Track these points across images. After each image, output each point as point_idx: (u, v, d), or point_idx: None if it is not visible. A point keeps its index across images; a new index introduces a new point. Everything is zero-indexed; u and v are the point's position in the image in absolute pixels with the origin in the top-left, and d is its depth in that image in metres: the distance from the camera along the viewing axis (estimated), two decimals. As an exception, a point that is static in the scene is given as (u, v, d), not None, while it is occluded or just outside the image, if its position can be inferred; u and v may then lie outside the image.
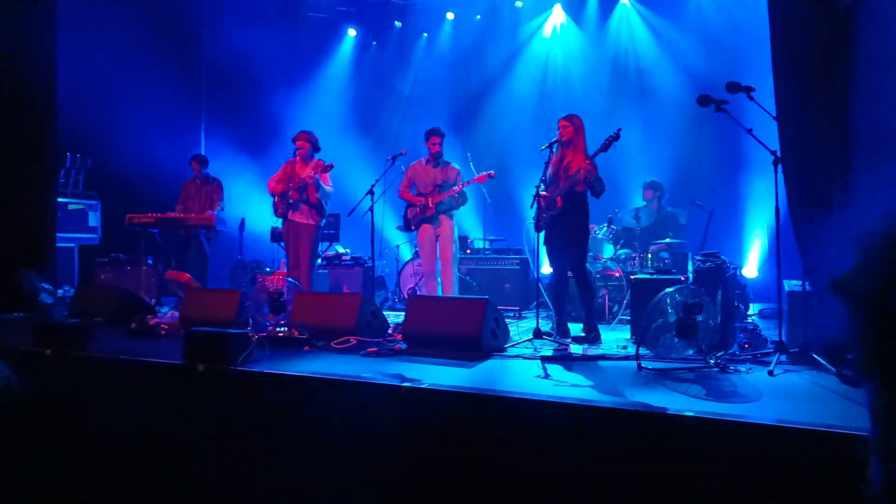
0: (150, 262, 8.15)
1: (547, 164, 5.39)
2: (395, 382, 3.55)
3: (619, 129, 5.07)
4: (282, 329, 5.13)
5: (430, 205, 6.38)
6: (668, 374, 3.90)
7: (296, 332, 5.01)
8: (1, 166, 6.94)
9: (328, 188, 6.63)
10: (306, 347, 4.86)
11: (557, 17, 10.54)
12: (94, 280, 8.22)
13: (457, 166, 6.52)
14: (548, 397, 3.28)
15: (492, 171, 6.38)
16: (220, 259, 8.53)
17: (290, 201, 6.54)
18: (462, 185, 6.36)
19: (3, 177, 6.96)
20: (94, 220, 8.80)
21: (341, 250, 8.90)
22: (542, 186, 5.31)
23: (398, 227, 9.33)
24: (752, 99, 4.38)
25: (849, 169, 3.86)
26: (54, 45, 7.26)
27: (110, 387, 4.28)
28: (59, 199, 7.94)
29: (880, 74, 3.66)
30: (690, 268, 7.14)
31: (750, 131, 4.50)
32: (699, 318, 4.12)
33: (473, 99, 10.74)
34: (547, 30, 10.60)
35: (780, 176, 4.38)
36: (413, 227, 6.65)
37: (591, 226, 6.69)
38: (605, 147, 5.08)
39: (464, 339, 4.61)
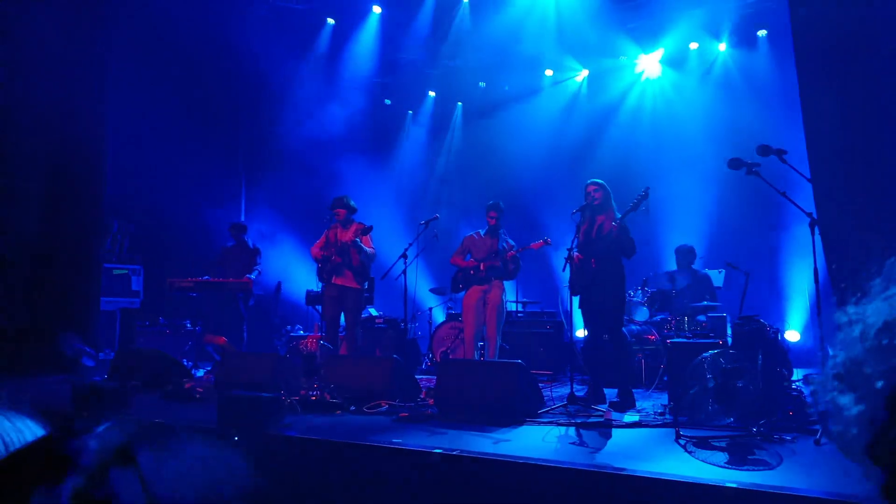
0: (188, 325, 8.31)
1: (578, 227, 5.42)
2: (428, 449, 3.50)
3: (647, 188, 5.10)
4: (314, 392, 5.13)
5: (482, 268, 6.37)
6: (707, 443, 3.77)
7: (328, 396, 5.00)
8: (49, 231, 7.22)
9: (370, 250, 6.69)
10: (338, 411, 4.85)
11: (586, 81, 10.79)
12: (134, 343, 8.38)
13: (512, 241, 6.53)
14: (583, 466, 3.19)
15: (548, 238, 6.37)
16: (256, 322, 8.64)
17: (333, 265, 6.63)
18: (518, 249, 6.35)
19: (51, 241, 7.24)
20: (136, 284, 9.06)
21: (374, 313, 8.95)
22: (575, 249, 5.32)
23: (431, 290, 9.39)
24: (784, 161, 4.37)
25: (886, 232, 3.79)
26: (105, 114, 7.64)
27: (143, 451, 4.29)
28: (105, 265, 8.21)
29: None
30: (729, 331, 6.97)
31: (784, 194, 4.46)
32: (739, 383, 4.01)
33: (501, 165, 10.92)
34: (576, 94, 10.83)
35: (818, 237, 4.32)
36: (461, 287, 6.60)
37: (626, 289, 6.64)
38: (635, 206, 5.10)
39: (496, 404, 4.54)
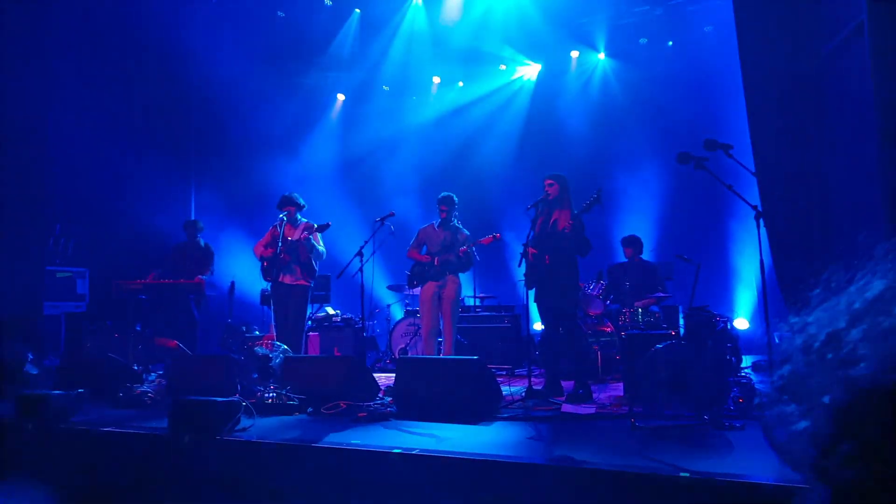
0: (138, 328, 8.06)
1: (533, 221, 5.46)
2: (387, 449, 3.48)
3: (600, 191, 5.18)
4: (271, 395, 5.04)
5: (436, 263, 6.38)
6: (661, 432, 3.85)
7: (285, 398, 4.93)
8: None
9: (321, 247, 6.65)
10: (296, 413, 4.78)
11: (535, 75, 10.87)
12: (82, 348, 8.10)
13: (466, 231, 6.55)
14: (541, 460, 3.22)
15: (497, 234, 6.40)
16: (209, 324, 8.45)
17: (282, 264, 6.54)
18: (468, 245, 6.37)
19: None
20: (81, 287, 8.75)
21: (331, 312, 8.86)
22: (530, 244, 5.36)
23: (388, 287, 9.34)
24: (730, 156, 4.48)
25: (829, 218, 3.92)
26: (46, 115, 7.38)
27: (94, 460, 4.16)
28: (48, 267, 7.91)
29: (854, 134, 3.78)
30: (681, 322, 7.14)
31: (730, 187, 4.59)
32: (691, 373, 4.10)
33: (458, 158, 10.93)
34: (528, 88, 10.90)
35: (763, 229, 4.45)
36: (416, 284, 6.61)
37: (580, 282, 6.72)
38: (588, 208, 5.18)
39: (455, 401, 4.54)
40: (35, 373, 6.78)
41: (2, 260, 7.00)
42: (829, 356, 0.63)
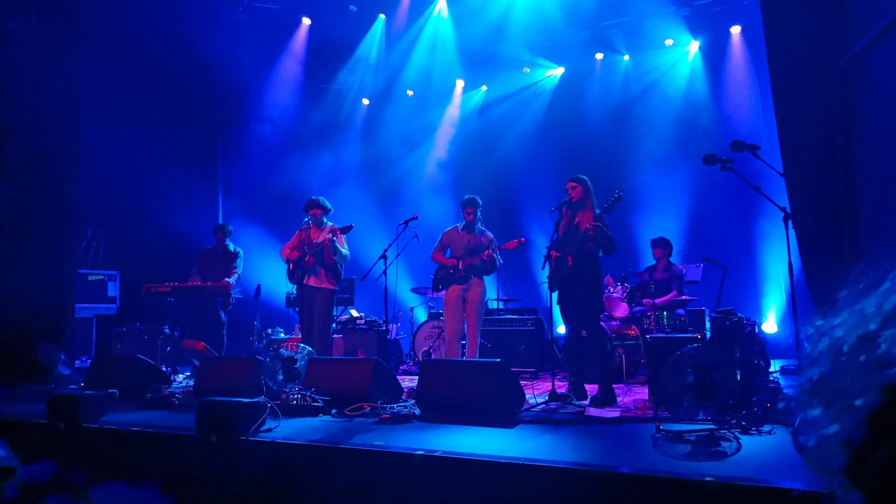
0: (166, 330, 8.20)
1: (557, 224, 5.44)
2: (410, 450, 3.49)
3: (621, 192, 5.15)
4: (295, 396, 5.09)
5: (461, 267, 6.38)
6: (687, 436, 3.80)
7: (309, 399, 4.97)
8: (21, 238, 7.11)
9: (345, 250, 6.69)
10: (320, 414, 4.82)
11: (559, 77, 10.83)
12: (112, 350, 8.26)
13: (490, 234, 6.54)
14: (565, 463, 3.20)
15: (522, 238, 6.39)
16: (236, 326, 8.57)
17: (307, 266, 6.61)
18: (493, 249, 6.37)
19: (24, 248, 7.12)
20: (112, 290, 8.93)
21: (356, 314, 8.92)
22: (553, 247, 5.34)
23: (412, 290, 9.37)
24: (758, 157, 4.42)
25: (856, 221, 3.85)
26: (78, 118, 7.54)
27: (123, 459, 4.24)
28: (79, 270, 8.08)
29: (880, 135, 3.70)
30: (708, 325, 7.05)
31: (758, 189, 4.52)
32: (717, 377, 4.04)
33: (482, 161, 10.93)
34: (552, 91, 10.86)
35: (792, 231, 4.38)
36: (441, 288, 6.62)
37: (605, 285, 6.68)
38: (609, 209, 5.15)
39: (478, 403, 4.54)
40: (67, 373, 6.94)
41: (35, 263, 7.17)
42: (862, 358, 0.61)
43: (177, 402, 5.44)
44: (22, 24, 7.02)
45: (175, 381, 6.83)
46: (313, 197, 6.91)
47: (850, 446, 0.61)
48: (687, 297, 7.02)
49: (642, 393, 5.60)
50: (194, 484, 3.95)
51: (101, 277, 8.87)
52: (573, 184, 5.46)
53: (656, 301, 6.95)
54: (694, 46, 9.84)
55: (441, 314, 7.86)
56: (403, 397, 5.27)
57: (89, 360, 7.33)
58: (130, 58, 8.80)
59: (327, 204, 6.87)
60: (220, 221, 10.26)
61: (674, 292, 7.09)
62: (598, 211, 5.32)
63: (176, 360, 7.73)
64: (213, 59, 9.81)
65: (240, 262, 7.88)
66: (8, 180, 7.02)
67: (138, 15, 8.42)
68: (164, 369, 7.00)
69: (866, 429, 0.59)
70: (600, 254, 5.35)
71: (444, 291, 6.60)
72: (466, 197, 6.56)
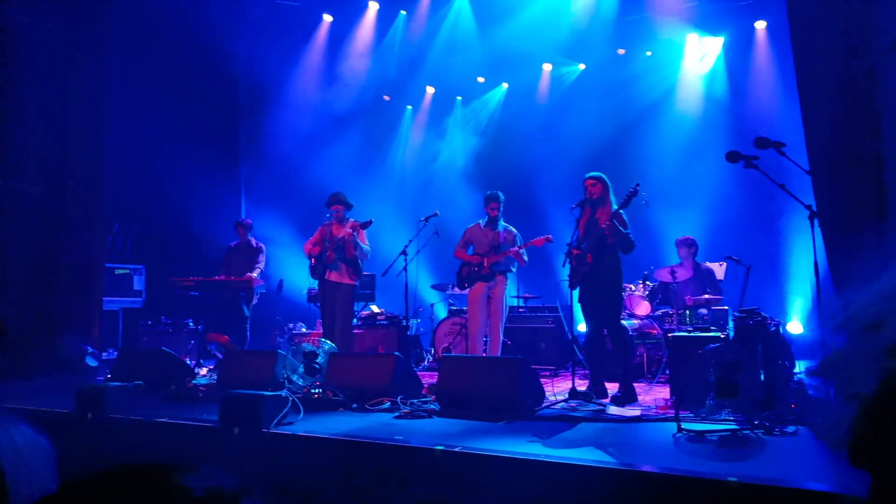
0: (191, 324, 8.32)
1: (577, 222, 5.42)
2: (430, 446, 3.51)
3: (638, 184, 5.12)
4: (317, 390, 5.15)
5: (486, 265, 6.38)
6: (709, 436, 3.77)
7: (330, 394, 5.02)
8: (50, 232, 7.25)
9: (365, 246, 6.73)
10: (341, 409, 4.86)
11: (583, 76, 10.75)
12: (138, 343, 8.41)
13: (514, 230, 6.53)
14: (584, 461, 3.19)
15: (549, 236, 6.36)
16: (259, 321, 8.66)
17: (328, 262, 6.65)
18: (519, 247, 6.35)
19: (52, 242, 7.27)
20: (138, 284, 9.08)
21: (376, 310, 8.97)
22: (574, 244, 5.32)
23: (432, 286, 9.40)
24: (783, 154, 4.35)
25: (884, 220, 3.78)
26: (104, 115, 7.67)
27: (148, 450, 4.32)
28: (106, 265, 8.24)
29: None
30: (731, 325, 6.97)
31: (783, 186, 4.45)
32: (740, 376, 4.01)
33: (502, 158, 10.90)
34: (574, 89, 10.79)
35: (818, 230, 4.31)
36: (466, 286, 6.62)
37: (627, 283, 6.63)
38: (626, 202, 5.11)
39: (498, 399, 4.55)
40: (94, 365, 7.08)
41: (64, 256, 7.32)
42: (873, 343, 0.62)
43: (201, 394, 5.53)
44: (46, 19, 7.15)
45: (199, 374, 6.93)
46: (335, 192, 6.95)
47: (855, 428, 0.62)
48: (719, 297, 6.95)
49: (663, 392, 5.56)
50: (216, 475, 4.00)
51: (128, 271, 9.02)
52: (592, 181, 5.43)
53: (688, 299, 6.89)
54: (718, 42, 9.71)
55: (461, 311, 7.87)
56: (423, 393, 5.29)
57: (116, 353, 7.47)
58: (155, 54, 8.92)
59: (349, 200, 6.91)
60: (243, 217, 10.38)
61: (707, 292, 7.02)
62: (615, 207, 5.29)
63: (200, 353, 7.85)
64: (236, 55, 9.91)
65: (262, 258, 7.96)
66: (37, 174, 7.17)
67: (162, 11, 8.52)
68: (188, 362, 7.11)
69: (869, 413, 0.61)
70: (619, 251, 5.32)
71: (468, 289, 6.59)
72: (489, 192, 6.55)
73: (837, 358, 0.66)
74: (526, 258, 6.42)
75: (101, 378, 6.72)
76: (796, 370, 6.36)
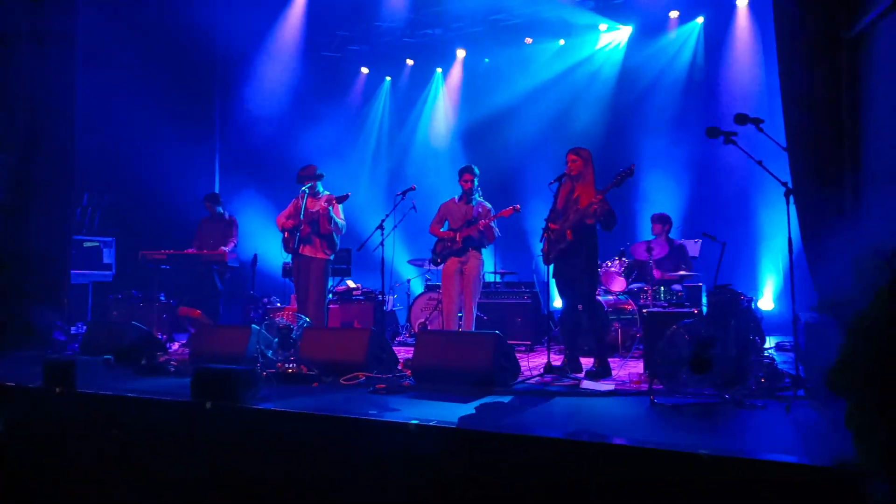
0: (162, 298, 8.19)
1: (555, 197, 5.39)
2: (404, 420, 3.49)
3: (633, 165, 5.07)
4: (291, 365, 5.10)
5: (458, 239, 6.33)
6: (681, 410, 3.82)
7: (304, 369, 4.97)
8: (17, 203, 7.06)
9: (341, 220, 6.64)
10: (315, 384, 4.82)
11: (563, 51, 10.66)
12: (107, 317, 8.27)
13: (488, 204, 6.47)
14: (558, 434, 3.20)
15: (517, 206, 6.33)
16: (232, 295, 8.56)
17: (302, 236, 6.56)
18: (488, 219, 6.31)
19: (19, 214, 7.08)
20: (108, 257, 8.90)
21: (352, 285, 8.91)
22: (552, 219, 5.30)
23: (409, 261, 9.35)
24: (761, 130, 4.35)
25: (858, 198, 3.81)
26: (74, 85, 7.45)
27: (117, 425, 4.25)
28: (75, 237, 8.04)
29: (889, 110, 3.64)
30: (704, 300, 7.05)
31: (760, 163, 4.46)
32: (713, 352, 4.04)
33: (481, 133, 10.83)
34: (554, 65, 10.70)
35: (793, 207, 4.33)
36: (440, 261, 6.57)
37: (603, 260, 6.64)
38: (617, 183, 5.08)
39: (473, 374, 4.55)
40: (63, 339, 6.94)
41: (31, 229, 7.13)
42: (877, 276, 0.61)
43: (172, 369, 5.45)
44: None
45: (171, 348, 6.84)
46: (308, 164, 6.83)
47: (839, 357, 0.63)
48: (692, 273, 7.03)
49: (638, 367, 5.61)
50: (188, 450, 3.96)
51: (97, 244, 8.83)
52: (573, 156, 5.38)
53: (665, 275, 6.95)
54: (699, 18, 9.69)
55: (438, 286, 7.84)
56: (399, 367, 5.28)
57: (85, 327, 7.33)
58: (128, 23, 8.68)
59: (319, 171, 6.78)
60: (217, 189, 10.21)
61: (682, 268, 7.08)
62: (598, 185, 5.26)
63: (172, 327, 7.74)
64: (211, 26, 9.65)
65: (236, 231, 7.84)
66: (10, 145, 6.98)
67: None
68: (159, 336, 7.01)
69: (847, 341, 0.61)
70: (598, 227, 5.30)
71: (442, 265, 6.56)
72: (464, 165, 6.50)
73: (839, 296, 0.65)
74: (498, 233, 6.38)
75: (70, 352, 6.60)
76: (766, 345, 6.48)
